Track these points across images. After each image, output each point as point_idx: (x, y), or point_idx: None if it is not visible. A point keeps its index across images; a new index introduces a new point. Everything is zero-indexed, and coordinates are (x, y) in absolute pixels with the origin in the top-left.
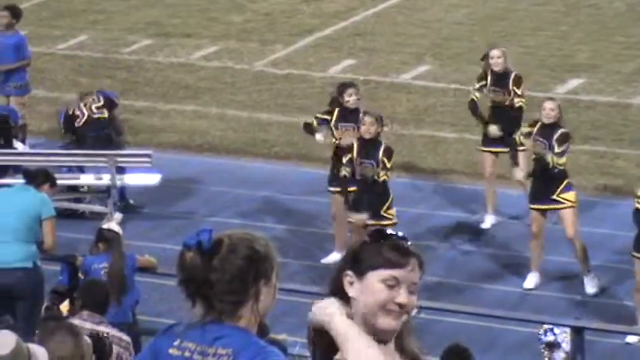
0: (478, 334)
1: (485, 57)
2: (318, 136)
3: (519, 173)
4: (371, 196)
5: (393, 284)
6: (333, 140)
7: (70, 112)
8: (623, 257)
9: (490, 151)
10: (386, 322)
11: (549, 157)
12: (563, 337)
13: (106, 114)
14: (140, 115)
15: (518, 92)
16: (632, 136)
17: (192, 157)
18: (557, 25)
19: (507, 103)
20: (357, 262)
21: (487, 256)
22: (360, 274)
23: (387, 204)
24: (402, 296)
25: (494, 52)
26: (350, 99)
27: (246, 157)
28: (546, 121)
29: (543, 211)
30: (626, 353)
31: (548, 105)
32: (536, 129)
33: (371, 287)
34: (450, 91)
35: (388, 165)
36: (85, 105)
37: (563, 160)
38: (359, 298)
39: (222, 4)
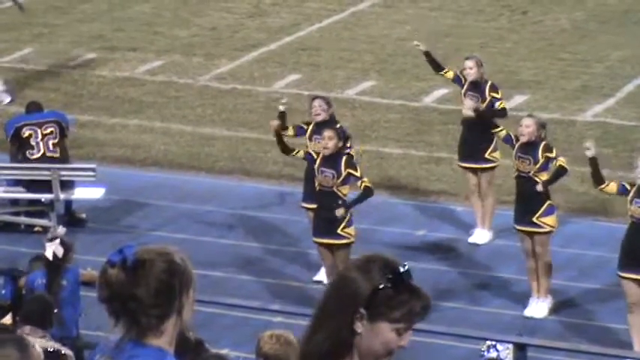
0: (420, 350)
1: None
2: (282, 107)
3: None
4: (329, 213)
5: (403, 333)
6: (308, 150)
7: (24, 135)
8: (567, 273)
9: (465, 167)
10: None
11: None
12: (506, 353)
13: (58, 153)
14: (84, 128)
15: (498, 96)
16: (576, 153)
17: (136, 172)
18: (502, 42)
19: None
20: (375, 307)
21: (430, 271)
22: (374, 319)
23: (344, 222)
24: (406, 340)
25: (467, 63)
26: (312, 111)
27: (190, 172)
28: (523, 139)
29: (528, 233)
30: None
31: (525, 122)
32: (516, 148)
33: (382, 335)
34: (394, 106)
35: (358, 174)
36: (43, 138)
37: (545, 175)
38: (364, 335)
39: (167, 19)
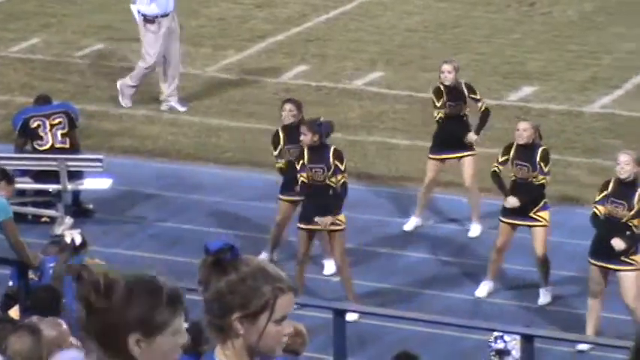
0: (428, 342)
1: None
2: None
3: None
4: (321, 201)
5: None
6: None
7: (33, 125)
8: (576, 265)
9: (438, 159)
10: None
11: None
12: (514, 344)
13: (67, 144)
14: (92, 119)
15: (477, 97)
16: (584, 144)
17: (144, 162)
18: (511, 33)
19: (462, 113)
20: None
21: (440, 262)
22: None
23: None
24: None
25: (445, 67)
26: (283, 114)
27: (198, 163)
28: (520, 141)
29: (515, 226)
30: None
31: (521, 125)
32: (512, 153)
33: None
34: (402, 97)
35: (342, 167)
36: (51, 129)
37: (548, 177)
38: None
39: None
